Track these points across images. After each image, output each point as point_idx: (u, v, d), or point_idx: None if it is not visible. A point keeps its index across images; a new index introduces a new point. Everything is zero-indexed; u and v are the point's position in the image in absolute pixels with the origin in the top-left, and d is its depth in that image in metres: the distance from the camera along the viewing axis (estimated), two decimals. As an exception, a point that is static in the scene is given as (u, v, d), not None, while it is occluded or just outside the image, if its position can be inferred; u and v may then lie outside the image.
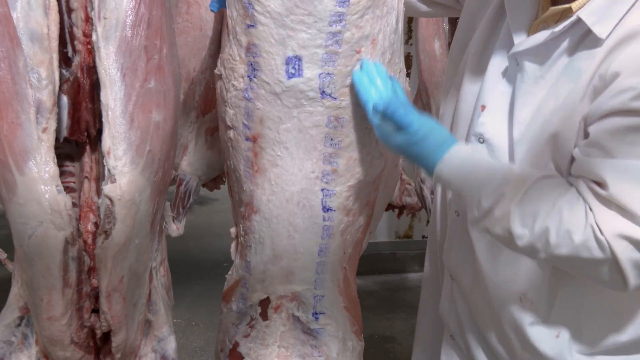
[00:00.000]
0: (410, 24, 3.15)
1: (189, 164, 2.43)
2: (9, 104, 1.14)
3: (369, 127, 1.27)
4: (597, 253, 1.12)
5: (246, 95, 1.23)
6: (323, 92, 1.22)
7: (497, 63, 1.32)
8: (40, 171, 1.15)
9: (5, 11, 1.14)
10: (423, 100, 2.68)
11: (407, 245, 4.18)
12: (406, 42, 3.17)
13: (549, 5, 1.26)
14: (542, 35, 1.22)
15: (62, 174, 1.24)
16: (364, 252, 1.50)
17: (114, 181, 1.18)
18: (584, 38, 1.19)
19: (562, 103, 1.20)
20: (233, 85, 1.24)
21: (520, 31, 1.28)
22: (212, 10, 1.34)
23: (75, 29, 1.22)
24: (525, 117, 1.24)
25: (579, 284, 1.26)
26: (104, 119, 1.18)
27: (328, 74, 1.22)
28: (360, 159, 1.29)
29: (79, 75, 1.22)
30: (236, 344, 1.39)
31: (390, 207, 2.92)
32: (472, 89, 1.36)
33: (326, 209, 1.30)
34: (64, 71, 1.22)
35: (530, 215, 1.15)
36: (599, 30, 1.16)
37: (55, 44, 1.17)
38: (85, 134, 1.25)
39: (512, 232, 1.16)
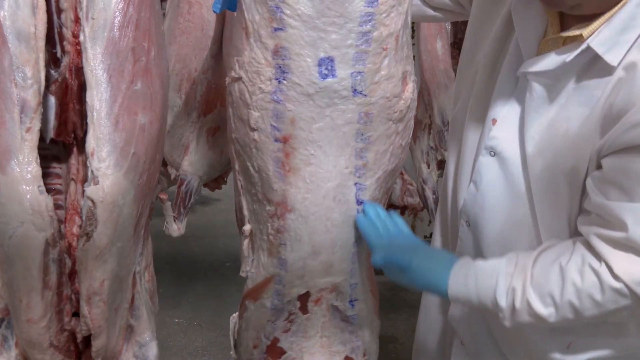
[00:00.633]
0: (412, 23, 3.15)
1: (190, 164, 2.43)
2: (-7, 103, 1.14)
3: (391, 120, 1.32)
4: (623, 301, 1.15)
5: (275, 97, 1.26)
6: (355, 90, 1.26)
7: (507, 77, 1.33)
8: (23, 171, 1.14)
9: (-8, 10, 1.14)
10: (425, 100, 2.67)
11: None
12: (408, 42, 3.17)
13: (558, 23, 1.26)
14: (551, 61, 1.23)
15: (48, 175, 1.23)
16: None
17: (96, 183, 1.16)
18: (594, 62, 1.19)
19: (577, 128, 1.20)
20: (260, 88, 1.26)
21: (529, 48, 1.29)
22: (214, 12, 1.33)
23: (64, 29, 1.21)
24: (536, 134, 1.25)
25: None
26: (88, 120, 1.17)
27: (359, 72, 1.26)
28: (385, 151, 1.35)
29: (67, 76, 1.21)
30: (276, 340, 1.45)
31: (392, 207, 2.91)
32: (482, 102, 1.37)
33: (359, 202, 1.35)
34: (52, 72, 1.21)
35: (547, 295, 1.19)
36: (610, 58, 1.17)
37: (42, 43, 1.16)
38: (72, 135, 1.23)
39: (540, 315, 1.19)
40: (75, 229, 1.24)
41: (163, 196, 2.03)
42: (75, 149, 1.26)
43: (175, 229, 2.46)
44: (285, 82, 1.25)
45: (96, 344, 1.23)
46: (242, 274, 1.49)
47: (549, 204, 1.26)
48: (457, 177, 1.46)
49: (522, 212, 1.30)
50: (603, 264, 1.15)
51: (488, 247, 1.36)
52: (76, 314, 1.24)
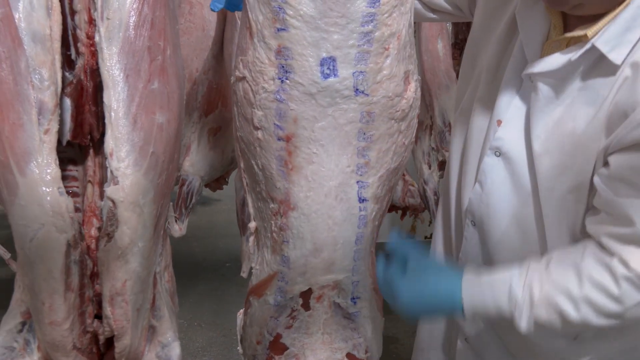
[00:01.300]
0: (413, 24, 3.15)
1: (192, 164, 2.43)
2: (11, 105, 1.13)
3: (394, 119, 1.31)
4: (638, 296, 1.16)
5: (278, 97, 1.26)
6: (357, 89, 1.26)
7: (511, 79, 1.34)
8: (42, 173, 1.14)
9: (7, 11, 1.13)
10: (426, 101, 2.67)
11: (409, 246, 4.15)
12: (409, 42, 3.17)
13: (561, 25, 1.28)
14: (556, 61, 1.24)
15: (65, 178, 1.23)
16: None
17: (116, 183, 1.16)
18: (599, 62, 1.21)
19: (583, 127, 1.21)
20: (263, 87, 1.26)
21: (533, 50, 1.30)
22: (212, 10, 1.32)
23: (78, 31, 1.20)
24: (542, 133, 1.26)
25: None
26: (106, 121, 1.17)
27: (361, 72, 1.26)
28: (387, 150, 1.35)
29: (82, 77, 1.21)
30: (278, 336, 1.45)
31: (393, 208, 2.92)
32: (486, 104, 1.38)
33: (361, 200, 1.35)
34: (67, 74, 1.20)
35: (565, 290, 1.19)
36: (615, 57, 1.18)
37: (57, 45, 1.16)
38: (89, 137, 1.23)
39: (560, 309, 1.19)
40: (93, 231, 1.23)
41: (164, 197, 2.02)
42: (91, 151, 1.26)
43: (177, 229, 2.46)
44: (288, 81, 1.25)
45: (119, 345, 1.22)
46: (243, 275, 1.49)
47: (555, 202, 1.27)
48: (461, 177, 1.46)
49: (528, 211, 1.31)
50: (615, 259, 1.16)
51: (494, 246, 1.37)
52: (98, 315, 1.23)
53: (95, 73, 1.20)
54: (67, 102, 1.20)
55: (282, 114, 1.27)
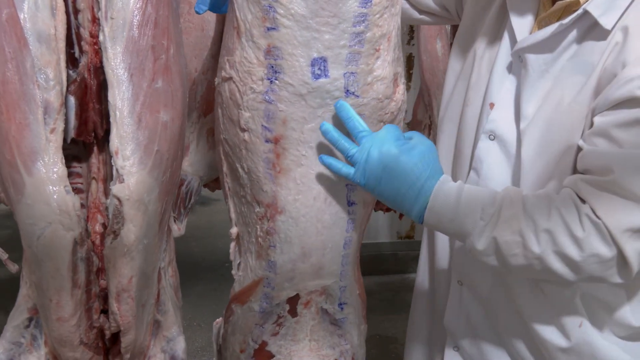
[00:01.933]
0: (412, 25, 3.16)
1: (191, 164, 2.43)
2: (17, 105, 1.14)
3: (382, 121, 1.30)
4: (602, 248, 1.14)
5: (266, 97, 1.24)
6: (347, 90, 1.25)
7: (502, 62, 1.34)
8: (49, 172, 1.15)
9: (12, 12, 1.14)
10: (425, 101, 2.68)
11: (408, 246, 4.18)
12: (408, 42, 3.17)
13: (550, 3, 1.29)
14: (549, 29, 1.25)
15: (69, 175, 1.23)
16: (365, 253, 1.52)
17: (122, 181, 1.17)
18: (590, 30, 1.22)
19: (573, 96, 1.22)
20: (251, 88, 1.25)
21: (523, 30, 1.31)
22: (197, 12, 1.32)
23: (82, 29, 1.22)
24: (532, 110, 1.26)
25: None
26: (111, 119, 1.18)
27: (352, 73, 1.25)
28: None
29: (86, 76, 1.22)
30: (264, 344, 1.42)
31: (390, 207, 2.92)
32: (478, 92, 1.38)
33: (350, 203, 1.33)
34: (70, 72, 1.21)
35: (533, 215, 1.17)
36: (605, 22, 1.19)
37: (62, 44, 1.17)
38: (93, 134, 1.24)
39: (521, 231, 1.17)
40: (98, 227, 1.25)
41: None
42: (95, 148, 1.27)
43: (176, 229, 2.46)
44: (277, 82, 1.23)
45: (125, 340, 1.24)
46: (235, 277, 1.48)
47: (538, 175, 1.27)
48: (455, 168, 1.45)
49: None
50: (587, 205, 1.16)
51: None
52: (104, 311, 1.25)
53: (98, 71, 1.22)
54: (71, 100, 1.22)
55: (270, 115, 1.25)
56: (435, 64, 2.57)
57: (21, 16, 1.14)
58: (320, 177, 1.29)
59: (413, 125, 2.82)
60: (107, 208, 1.20)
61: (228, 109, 1.30)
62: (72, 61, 1.22)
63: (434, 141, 1.41)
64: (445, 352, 1.49)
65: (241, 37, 1.25)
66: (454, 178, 1.44)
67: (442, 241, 1.50)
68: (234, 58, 1.27)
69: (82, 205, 1.24)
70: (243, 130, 1.28)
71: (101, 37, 1.18)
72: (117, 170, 1.17)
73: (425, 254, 1.59)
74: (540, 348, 1.35)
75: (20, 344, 1.24)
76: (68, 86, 1.20)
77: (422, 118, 2.73)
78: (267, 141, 1.27)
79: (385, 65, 1.27)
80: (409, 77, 3.51)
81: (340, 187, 1.31)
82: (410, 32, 3.10)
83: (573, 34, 1.24)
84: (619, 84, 1.15)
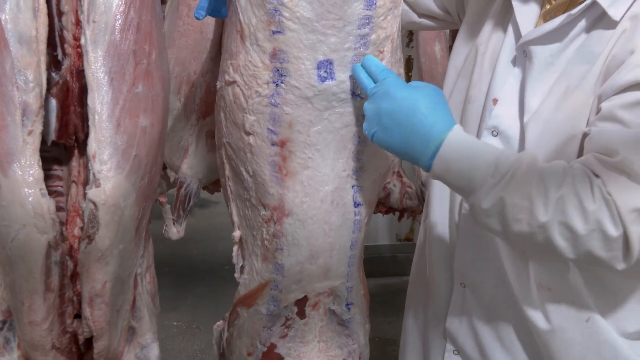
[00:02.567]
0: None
1: (190, 166, 2.43)
2: (-5, 106, 1.14)
3: None
4: (609, 225, 1.10)
5: (272, 101, 1.25)
6: (353, 93, 1.26)
7: (506, 57, 1.33)
8: (25, 174, 1.14)
9: (-7, 13, 1.14)
10: (424, 102, 2.67)
11: (408, 248, 4.14)
12: (407, 45, 3.16)
13: None
14: (556, 20, 1.24)
15: (49, 177, 1.24)
16: (364, 255, 1.53)
17: (98, 185, 1.17)
18: (598, 22, 1.21)
19: (577, 85, 1.20)
20: (256, 92, 1.25)
21: (528, 24, 1.30)
22: (197, 18, 1.32)
23: (65, 32, 1.21)
24: (536, 103, 1.24)
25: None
26: (90, 123, 1.18)
27: None
28: (379, 153, 1.34)
29: (68, 78, 1.22)
30: (272, 346, 1.42)
31: (391, 210, 2.91)
32: (481, 89, 1.37)
33: (356, 204, 1.34)
34: (53, 74, 1.21)
35: (546, 179, 1.13)
36: (614, 12, 1.18)
37: (43, 46, 1.17)
38: (74, 137, 1.24)
39: (532, 198, 1.13)
40: (76, 231, 1.24)
41: (162, 199, 2.02)
42: (76, 151, 1.26)
43: (175, 231, 2.46)
44: (283, 85, 1.24)
45: (98, 346, 1.23)
46: (238, 280, 1.48)
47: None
48: None
49: None
50: (599, 179, 1.12)
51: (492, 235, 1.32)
52: (78, 315, 1.24)
53: (81, 74, 1.21)
54: (53, 102, 1.21)
55: (276, 119, 1.26)
56: (434, 66, 2.56)
57: (2, 17, 1.14)
58: (326, 180, 1.30)
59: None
60: (84, 213, 1.19)
61: (232, 112, 1.30)
62: (54, 64, 1.22)
63: None
64: (445, 357, 1.48)
65: (245, 41, 1.25)
66: None
67: (442, 243, 1.48)
68: (238, 62, 1.27)
69: (61, 209, 1.24)
70: (248, 133, 1.28)
71: (82, 40, 1.18)
72: (93, 174, 1.17)
73: (421, 257, 1.57)
74: (541, 346, 1.33)
75: (-7, 346, 1.24)
76: (50, 88, 1.20)
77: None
78: (273, 144, 1.27)
79: (388, 67, 1.28)
80: (407, 79, 3.50)
81: (346, 189, 1.32)
82: (409, 35, 3.10)
83: (581, 24, 1.22)
84: (627, 70, 1.13)
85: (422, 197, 2.77)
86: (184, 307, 3.69)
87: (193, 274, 4.06)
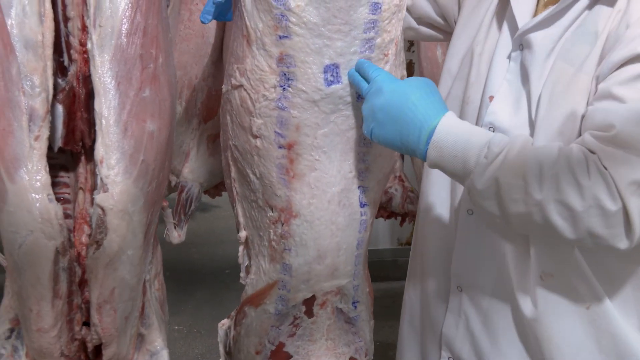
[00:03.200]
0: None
1: (191, 170, 2.43)
2: (1, 111, 1.13)
3: None
4: (606, 199, 1.09)
5: (279, 104, 1.27)
6: (359, 96, 1.27)
7: (502, 55, 1.33)
8: (32, 179, 1.14)
9: (-1, 18, 1.13)
10: (426, 106, 2.67)
11: (409, 253, 4.14)
12: (408, 49, 3.16)
13: None
14: (558, 6, 1.24)
15: (56, 184, 1.23)
16: None
17: (106, 190, 1.16)
18: (596, 2, 1.22)
19: (578, 65, 1.20)
20: (264, 95, 1.27)
21: (525, 15, 1.31)
22: (202, 22, 1.32)
23: (71, 37, 1.21)
24: (536, 91, 1.24)
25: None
26: (97, 128, 1.17)
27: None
28: (383, 154, 1.37)
29: (74, 84, 1.21)
30: (281, 345, 1.45)
31: (392, 214, 2.91)
32: (478, 89, 1.37)
33: (362, 205, 1.37)
34: (59, 80, 1.20)
35: (539, 158, 1.12)
36: None
37: (49, 51, 1.16)
38: (81, 144, 1.23)
39: (526, 176, 1.12)
40: (84, 238, 1.23)
41: (163, 203, 2.02)
42: (83, 158, 1.26)
43: (176, 235, 2.46)
44: (290, 89, 1.26)
45: (107, 353, 1.22)
46: (242, 281, 1.49)
47: None
48: None
49: None
50: (595, 155, 1.11)
51: (491, 233, 1.32)
52: (86, 323, 1.23)
53: (87, 80, 1.20)
54: (59, 108, 1.20)
55: (283, 122, 1.27)
56: (435, 70, 2.56)
57: (8, 22, 1.14)
58: (333, 181, 1.32)
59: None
60: (92, 218, 1.18)
61: (239, 115, 1.32)
62: (61, 69, 1.21)
63: None
64: None
65: (252, 45, 1.27)
66: (452, 181, 1.42)
67: (438, 246, 1.47)
68: (245, 66, 1.28)
69: (68, 216, 1.23)
70: (255, 136, 1.30)
71: (89, 45, 1.17)
72: (101, 179, 1.16)
73: (417, 261, 1.57)
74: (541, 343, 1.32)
75: (1, 355, 1.23)
76: (56, 94, 1.19)
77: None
78: (280, 147, 1.29)
79: (393, 69, 1.30)
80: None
81: (352, 190, 1.34)
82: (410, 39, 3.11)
83: (580, 5, 1.23)
84: (622, 45, 1.14)
85: (423, 202, 2.77)
86: (184, 311, 3.68)
87: (194, 278, 4.05)
